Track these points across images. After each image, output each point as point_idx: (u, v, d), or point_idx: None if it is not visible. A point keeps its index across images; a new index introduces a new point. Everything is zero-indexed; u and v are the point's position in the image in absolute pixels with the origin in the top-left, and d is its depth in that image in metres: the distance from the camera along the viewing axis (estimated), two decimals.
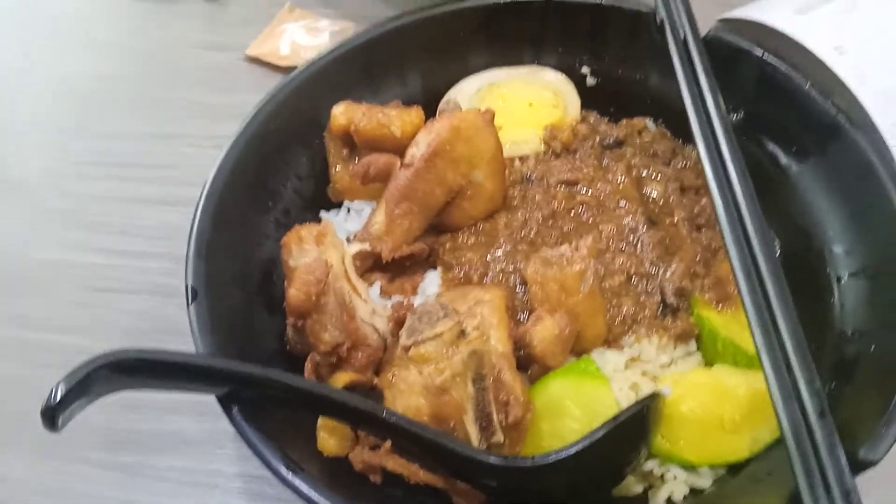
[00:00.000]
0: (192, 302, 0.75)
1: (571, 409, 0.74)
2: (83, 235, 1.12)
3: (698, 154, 0.83)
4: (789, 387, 0.66)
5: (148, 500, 0.87)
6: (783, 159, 0.92)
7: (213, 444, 0.91)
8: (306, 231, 0.81)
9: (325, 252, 0.80)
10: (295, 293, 0.74)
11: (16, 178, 1.20)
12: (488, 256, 0.88)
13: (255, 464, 0.70)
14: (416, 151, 0.87)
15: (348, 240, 0.90)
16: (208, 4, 1.43)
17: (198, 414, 0.94)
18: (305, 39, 1.33)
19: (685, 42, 0.94)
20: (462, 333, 0.73)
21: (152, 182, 1.17)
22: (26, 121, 1.28)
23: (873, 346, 0.73)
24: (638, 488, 0.76)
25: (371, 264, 0.89)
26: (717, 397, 0.75)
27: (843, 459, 0.61)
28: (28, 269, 1.08)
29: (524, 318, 0.83)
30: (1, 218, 1.15)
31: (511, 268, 0.87)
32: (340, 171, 0.95)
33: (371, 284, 0.88)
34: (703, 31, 0.96)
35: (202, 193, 0.83)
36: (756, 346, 0.69)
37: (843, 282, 0.81)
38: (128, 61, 1.35)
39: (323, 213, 0.96)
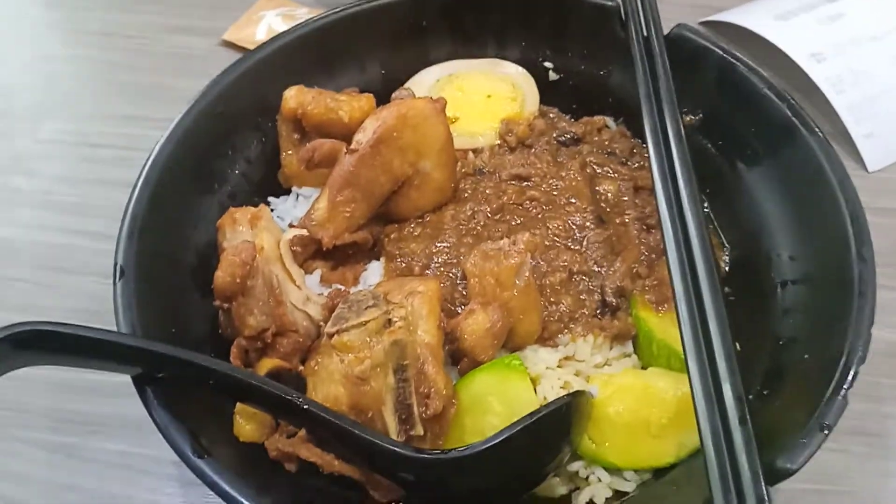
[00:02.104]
0: (118, 280, 0.74)
1: (494, 405, 0.72)
2: (44, 215, 1.12)
3: (648, 151, 0.81)
4: (712, 392, 0.64)
5: (76, 482, 0.86)
6: (738, 162, 0.90)
7: (153, 429, 0.90)
8: (241, 213, 0.80)
9: (258, 235, 0.79)
10: (220, 275, 0.73)
11: None
12: (432, 248, 0.87)
13: None
14: (362, 137, 0.86)
15: (291, 226, 0.89)
16: None
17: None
18: (282, 26, 1.33)
19: (647, 39, 0.92)
20: (388, 323, 0.72)
21: (117, 164, 1.17)
22: (1, 104, 1.27)
23: (806, 355, 0.71)
24: (563, 489, 0.75)
25: (313, 252, 0.87)
26: (645, 400, 0.73)
27: (758, 467, 0.60)
28: None
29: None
30: None
31: (454, 261, 0.86)
32: (290, 156, 0.94)
33: (312, 272, 0.87)
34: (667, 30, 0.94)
35: (139, 175, 0.82)
36: (684, 350, 0.67)
37: (786, 288, 0.79)
38: (105, 45, 1.35)
39: (272, 199, 0.95)
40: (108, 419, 0.91)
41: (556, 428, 0.68)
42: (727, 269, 0.88)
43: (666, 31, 0.94)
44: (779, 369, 0.73)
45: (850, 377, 0.65)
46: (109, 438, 0.90)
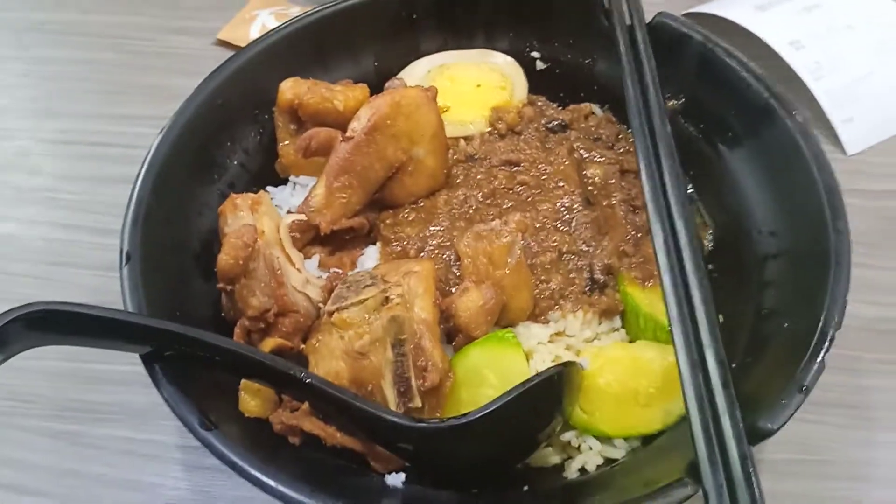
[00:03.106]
0: (124, 265, 0.77)
1: (489, 378, 0.75)
2: (46, 212, 1.14)
3: (633, 133, 0.85)
4: (696, 358, 0.67)
5: (81, 468, 0.88)
6: (719, 143, 0.93)
7: (158, 415, 0.92)
8: (241, 199, 0.83)
9: (258, 220, 0.81)
10: (223, 257, 0.76)
11: None
12: (426, 232, 0.90)
13: None
14: (357, 125, 0.88)
15: (290, 212, 0.91)
16: None
17: (144, 386, 0.95)
18: (275, 25, 1.35)
19: (630, 27, 0.95)
20: (386, 300, 0.75)
21: (116, 161, 1.19)
22: (3, 104, 1.30)
23: (786, 324, 0.74)
24: (556, 459, 0.78)
25: (311, 237, 0.90)
26: (633, 371, 0.76)
27: (741, 428, 0.63)
28: None
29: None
30: None
31: (448, 243, 0.89)
32: (287, 147, 0.97)
33: (310, 257, 0.89)
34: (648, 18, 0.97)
35: (143, 162, 0.85)
36: (669, 320, 0.70)
37: (767, 262, 0.82)
38: (100, 46, 1.37)
39: (270, 188, 0.98)
40: (113, 407, 0.94)
41: (548, 396, 0.71)
42: (711, 246, 0.92)
43: (648, 20, 0.97)
44: (760, 338, 0.76)
45: (826, 342, 0.68)
46: (114, 426, 0.92)
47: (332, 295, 0.77)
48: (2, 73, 1.35)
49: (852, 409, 0.90)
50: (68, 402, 0.94)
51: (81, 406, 0.94)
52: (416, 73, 1.04)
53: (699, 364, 0.67)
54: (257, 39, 0.99)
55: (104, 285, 1.05)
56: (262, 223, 0.80)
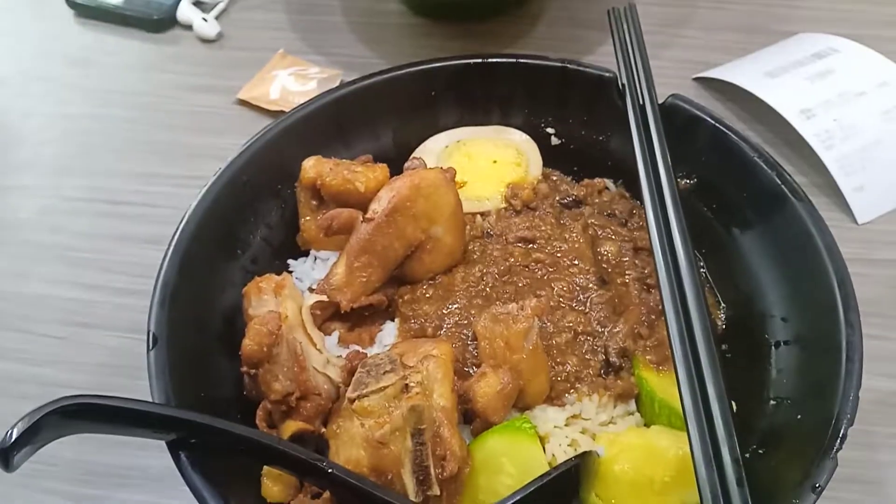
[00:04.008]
0: (151, 349, 0.79)
1: (507, 466, 0.76)
2: (68, 270, 1.16)
3: (645, 216, 0.87)
4: (711, 454, 0.69)
5: None
6: (731, 225, 0.95)
7: (178, 480, 0.92)
8: (266, 282, 0.85)
9: (282, 303, 0.83)
10: (248, 343, 0.78)
11: (12, 217, 1.25)
12: (444, 310, 0.91)
13: None
14: (378, 207, 0.91)
15: (311, 289, 0.94)
16: (205, 47, 1.49)
17: (165, 451, 0.97)
18: (295, 85, 1.39)
19: (643, 107, 0.98)
20: (406, 388, 0.77)
21: (138, 220, 1.22)
22: (26, 160, 1.33)
23: (799, 416, 0.76)
24: None
25: (331, 313, 0.92)
26: (649, 459, 0.77)
27: None
28: (13, 304, 1.13)
29: (474, 372, 0.86)
30: None
31: (465, 322, 0.90)
32: (308, 222, 0.99)
33: (330, 333, 0.91)
34: (664, 96, 1.00)
35: (170, 243, 0.87)
36: (684, 412, 0.71)
37: (779, 348, 0.84)
38: (123, 103, 1.40)
39: (291, 262, 1.00)
40: (133, 471, 0.95)
41: (566, 488, 0.73)
42: (723, 326, 0.93)
43: (661, 100, 1.00)
44: (774, 429, 0.77)
45: (838, 439, 0.70)
46: (135, 490, 0.94)
47: (353, 380, 0.79)
48: (25, 129, 1.38)
49: (868, 484, 0.90)
50: (90, 466, 0.96)
51: (103, 469, 0.96)
52: (435, 148, 1.07)
53: (714, 460, 0.68)
54: (283, 116, 1.01)
55: (124, 346, 1.08)
56: (285, 307, 0.82)
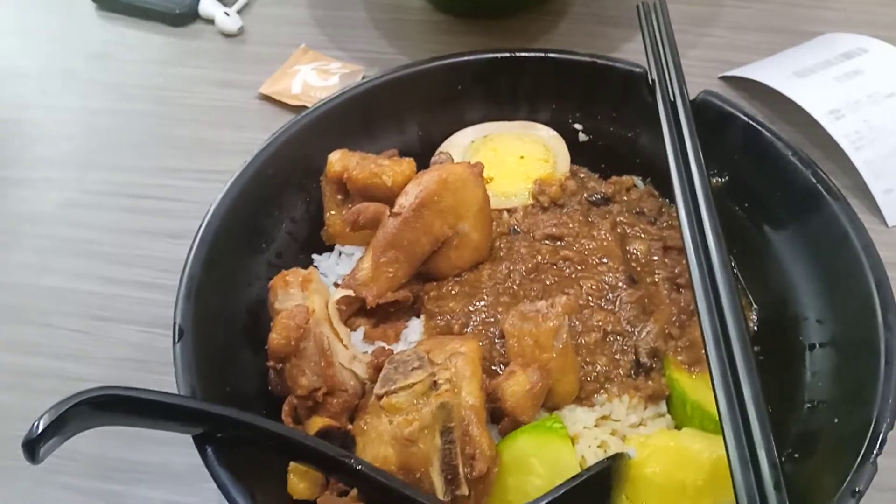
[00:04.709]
0: (177, 341, 0.78)
1: (536, 467, 0.75)
2: (89, 265, 1.16)
3: (678, 215, 0.85)
4: (748, 457, 0.67)
5: None
6: (764, 224, 0.93)
7: (199, 477, 0.91)
8: (292, 276, 0.84)
9: (308, 297, 0.83)
10: (275, 337, 0.77)
11: (35, 210, 1.24)
12: (470, 307, 0.90)
13: None
14: (405, 201, 0.90)
15: (336, 284, 0.93)
16: (226, 41, 1.49)
17: (187, 447, 0.96)
18: (316, 80, 1.38)
19: (674, 104, 0.96)
20: (434, 385, 0.75)
21: (160, 214, 1.21)
22: (49, 155, 1.33)
23: (836, 419, 0.74)
24: None
25: (356, 309, 0.91)
26: (680, 462, 0.76)
27: None
28: (34, 297, 1.12)
29: (501, 370, 0.85)
30: (17, 248, 1.19)
31: (492, 319, 0.89)
32: (334, 216, 0.98)
33: (355, 329, 0.90)
34: (694, 93, 0.98)
35: (196, 236, 0.87)
36: (719, 415, 0.70)
37: (814, 350, 0.82)
38: (144, 97, 1.40)
39: (315, 256, 0.99)
40: (153, 467, 0.95)
41: (597, 490, 0.71)
42: (756, 328, 0.92)
43: (692, 96, 0.98)
44: (810, 433, 0.76)
45: (878, 444, 0.68)
46: (154, 487, 0.93)
47: (381, 376, 0.77)
48: (47, 124, 1.38)
49: None
50: (110, 461, 0.95)
51: (123, 465, 0.95)
52: (461, 143, 1.05)
53: (751, 464, 0.67)
54: (308, 109, 1.00)
55: (147, 341, 1.07)
56: (312, 301, 0.82)
